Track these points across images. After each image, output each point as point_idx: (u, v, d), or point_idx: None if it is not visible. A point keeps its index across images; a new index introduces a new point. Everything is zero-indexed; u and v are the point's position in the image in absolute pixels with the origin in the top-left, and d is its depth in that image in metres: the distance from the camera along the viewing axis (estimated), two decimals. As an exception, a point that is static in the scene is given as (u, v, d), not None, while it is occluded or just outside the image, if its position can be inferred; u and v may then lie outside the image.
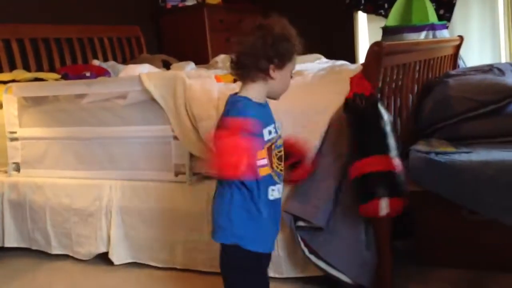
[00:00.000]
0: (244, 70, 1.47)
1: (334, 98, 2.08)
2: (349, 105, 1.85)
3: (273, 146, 1.49)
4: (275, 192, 1.50)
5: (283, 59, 1.47)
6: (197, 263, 2.30)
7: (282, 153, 1.53)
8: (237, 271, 1.49)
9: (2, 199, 2.70)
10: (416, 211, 1.95)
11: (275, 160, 1.49)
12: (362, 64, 2.05)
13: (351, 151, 1.83)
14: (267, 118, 1.49)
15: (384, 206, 1.70)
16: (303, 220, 1.95)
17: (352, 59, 4.10)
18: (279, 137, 1.52)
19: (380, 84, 1.99)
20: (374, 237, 1.89)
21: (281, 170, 1.52)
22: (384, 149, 1.74)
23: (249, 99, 1.46)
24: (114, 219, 2.46)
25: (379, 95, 1.89)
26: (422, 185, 1.88)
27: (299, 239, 1.95)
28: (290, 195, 2.05)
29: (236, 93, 1.51)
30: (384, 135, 1.76)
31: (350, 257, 1.89)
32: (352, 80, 1.94)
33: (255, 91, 1.48)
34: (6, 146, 2.71)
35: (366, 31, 4.45)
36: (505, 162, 1.82)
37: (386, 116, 1.80)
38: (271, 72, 1.46)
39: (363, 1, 4.28)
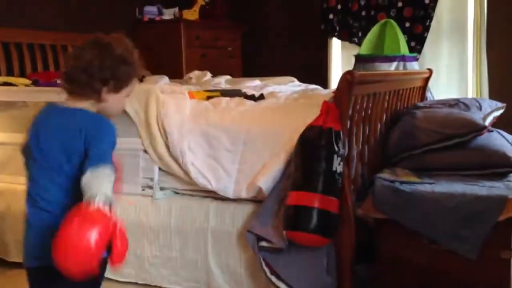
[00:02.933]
0: (76, 86, 1.40)
1: (303, 123, 2.12)
2: (303, 134, 1.94)
3: None
4: None
5: (119, 83, 1.41)
6: (162, 279, 2.28)
7: None
8: None
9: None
10: (378, 237, 1.99)
11: None
12: (333, 92, 2.10)
13: (292, 178, 1.93)
14: None
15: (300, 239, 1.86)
16: (266, 240, 1.97)
17: (325, 84, 4.17)
18: None
19: (350, 112, 2.04)
20: (336, 261, 1.92)
21: None
22: (312, 187, 1.86)
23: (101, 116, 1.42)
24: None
25: (340, 130, 1.95)
26: (385, 213, 1.92)
27: (261, 259, 1.96)
28: (253, 215, 2.07)
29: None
30: (318, 173, 1.87)
31: (311, 280, 1.91)
32: (322, 107, 1.98)
33: (85, 107, 1.42)
34: (-31, 150, 2.65)
35: (339, 57, 4.53)
36: (466, 195, 1.88)
37: (335, 155, 1.88)
38: (103, 94, 1.40)
39: (338, 28, 4.37)
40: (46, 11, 3.74)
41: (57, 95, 2.56)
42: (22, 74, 3.39)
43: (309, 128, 1.95)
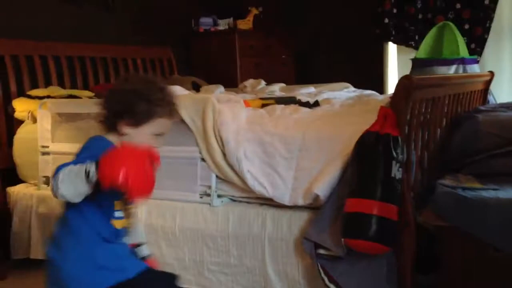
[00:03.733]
0: (103, 120, 1.51)
1: (360, 129, 2.09)
2: (360, 140, 1.91)
3: None
4: None
5: (137, 117, 1.45)
6: (220, 285, 2.31)
7: None
8: None
9: (31, 212, 2.76)
10: (440, 246, 1.93)
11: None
12: (390, 97, 2.06)
13: (350, 185, 1.91)
14: None
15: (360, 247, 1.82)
16: (324, 248, 1.95)
17: (380, 89, 4.11)
18: None
19: (408, 117, 2.00)
20: (396, 270, 1.88)
21: None
22: (371, 194, 1.82)
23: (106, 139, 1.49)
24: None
25: (398, 136, 1.91)
26: (447, 220, 1.86)
27: (319, 267, 1.95)
28: (310, 222, 2.06)
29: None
30: (376, 180, 1.83)
31: (371, 288, 1.88)
32: (379, 113, 1.95)
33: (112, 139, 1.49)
34: (37, 160, 2.77)
35: (395, 61, 4.45)
36: (533, 201, 1.80)
37: (393, 161, 1.84)
38: (120, 127, 1.47)
39: (393, 32, 4.30)
40: (107, 26, 3.89)
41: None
42: (85, 87, 3.54)
43: (366, 134, 1.92)
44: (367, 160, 1.88)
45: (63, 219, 1.49)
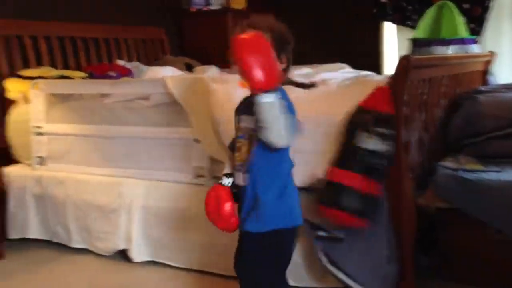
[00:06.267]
0: None
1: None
2: (354, 113, 1.88)
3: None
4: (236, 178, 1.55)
5: None
6: (213, 265, 2.30)
7: (239, 144, 1.54)
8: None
9: (26, 192, 2.73)
10: (441, 226, 1.92)
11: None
12: (390, 77, 2.03)
13: (336, 154, 1.89)
14: (241, 108, 1.57)
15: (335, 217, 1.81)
16: (323, 229, 1.93)
17: (378, 70, 4.07)
18: (240, 128, 1.55)
19: (406, 97, 1.97)
20: (397, 250, 1.86)
21: (239, 160, 1.54)
22: (350, 166, 1.81)
23: None
24: (135, 217, 2.47)
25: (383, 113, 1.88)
26: (449, 202, 1.85)
27: (318, 249, 1.92)
28: (309, 202, 2.04)
29: None
30: (354, 152, 1.81)
31: (371, 269, 1.87)
32: (376, 91, 1.92)
33: None
34: (31, 141, 2.73)
35: (393, 42, 4.40)
36: (534, 182, 1.78)
37: (362, 132, 1.83)
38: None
39: (390, 12, 4.24)
40: (97, 5, 3.81)
41: (111, 87, 2.63)
42: (78, 68, 3.47)
43: (357, 108, 1.92)
44: (348, 131, 1.90)
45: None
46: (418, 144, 2.12)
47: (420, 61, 2.10)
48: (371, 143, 1.80)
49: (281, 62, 1.57)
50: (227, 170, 1.65)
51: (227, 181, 1.61)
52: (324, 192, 1.84)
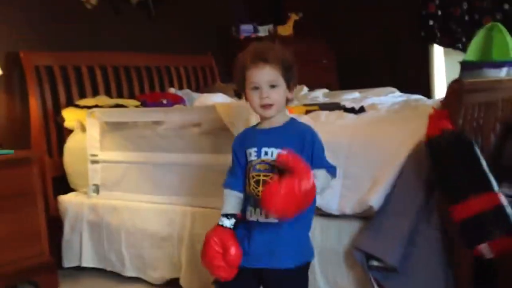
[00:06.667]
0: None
1: (410, 135, 2.05)
2: (433, 142, 1.80)
3: (250, 168, 1.53)
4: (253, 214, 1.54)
5: (236, 81, 1.61)
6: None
7: (261, 178, 1.52)
8: None
9: (82, 220, 2.81)
10: (501, 257, 1.86)
11: (251, 182, 1.53)
12: (441, 101, 2.01)
13: (441, 193, 1.78)
14: (250, 141, 1.57)
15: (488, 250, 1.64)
16: (376, 259, 1.91)
17: (426, 93, 4.01)
18: (261, 162, 1.53)
19: (460, 122, 1.94)
20: (454, 283, 1.82)
21: (257, 194, 1.52)
22: (484, 185, 1.68)
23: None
24: (186, 245, 2.50)
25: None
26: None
27: (372, 279, 1.90)
28: (360, 231, 2.02)
29: None
30: (481, 170, 1.70)
31: (427, 302, 1.82)
32: (432, 116, 1.90)
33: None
34: (87, 169, 2.83)
35: (442, 65, 4.34)
36: None
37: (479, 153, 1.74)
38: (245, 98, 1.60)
39: (439, 34, 4.20)
40: (150, 36, 3.95)
41: (164, 115, 2.71)
42: (131, 96, 3.59)
43: (436, 137, 1.80)
44: (450, 159, 1.76)
45: None
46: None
47: (473, 85, 2.07)
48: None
49: (290, 90, 1.60)
50: (227, 210, 1.61)
51: (229, 223, 1.58)
52: (471, 231, 1.67)
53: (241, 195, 1.62)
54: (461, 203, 1.67)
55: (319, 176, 1.51)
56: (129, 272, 2.68)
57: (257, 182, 1.53)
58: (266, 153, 1.54)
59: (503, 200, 1.65)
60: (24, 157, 2.61)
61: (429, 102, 2.92)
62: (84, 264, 2.79)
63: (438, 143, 1.79)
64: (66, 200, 2.92)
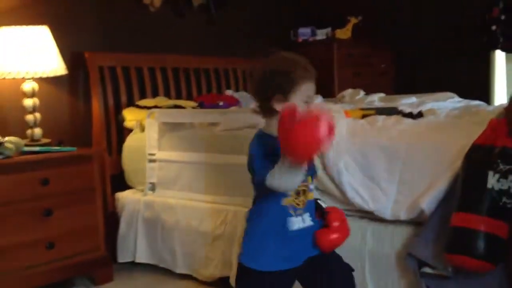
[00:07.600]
0: (259, 108, 1.60)
1: (469, 141, 1.99)
2: (469, 152, 1.82)
3: None
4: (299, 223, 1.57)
5: (283, 91, 1.53)
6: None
7: (302, 188, 1.57)
8: None
9: (137, 217, 2.90)
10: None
11: (292, 193, 1.55)
12: (504, 108, 1.94)
13: (458, 198, 1.82)
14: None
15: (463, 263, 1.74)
16: (429, 266, 1.87)
17: (486, 99, 3.89)
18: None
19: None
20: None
21: (297, 204, 1.57)
22: (474, 208, 1.74)
23: (261, 131, 1.60)
24: (238, 244, 2.53)
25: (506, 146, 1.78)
26: None
27: (424, 286, 1.87)
28: (413, 237, 1.98)
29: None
30: (489, 195, 1.73)
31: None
32: (489, 124, 1.85)
33: (270, 126, 1.57)
34: (144, 167, 2.92)
35: (503, 71, 4.20)
36: None
37: (489, 171, 1.74)
38: (274, 106, 1.54)
39: (501, 39, 4.06)
40: (210, 38, 4.02)
41: (220, 116, 2.76)
42: (189, 97, 3.67)
43: (472, 148, 1.84)
44: (468, 172, 1.80)
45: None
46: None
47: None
48: (499, 181, 1.73)
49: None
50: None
51: None
52: (450, 240, 1.79)
53: None
54: (456, 213, 1.78)
55: None
56: (181, 269, 2.72)
57: (298, 192, 1.59)
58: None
59: (484, 227, 1.71)
60: (85, 154, 2.69)
61: (489, 108, 2.83)
62: (138, 260, 2.85)
63: (466, 155, 1.84)
64: (124, 197, 3.00)
